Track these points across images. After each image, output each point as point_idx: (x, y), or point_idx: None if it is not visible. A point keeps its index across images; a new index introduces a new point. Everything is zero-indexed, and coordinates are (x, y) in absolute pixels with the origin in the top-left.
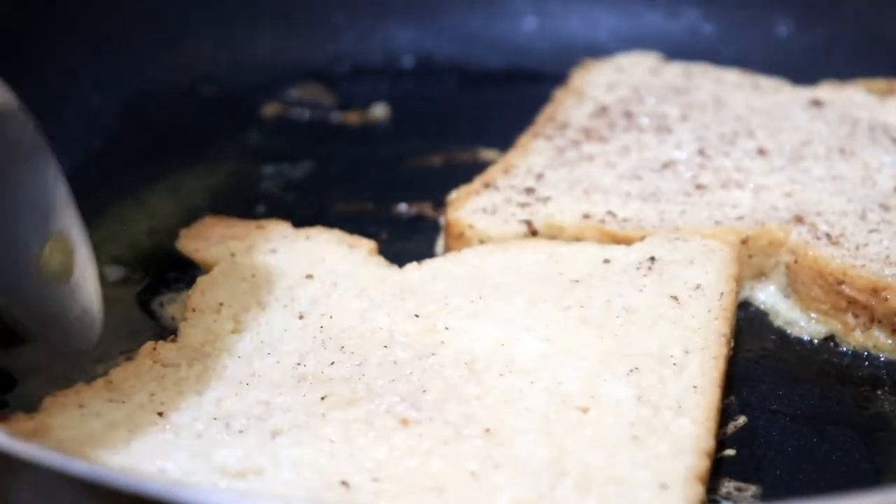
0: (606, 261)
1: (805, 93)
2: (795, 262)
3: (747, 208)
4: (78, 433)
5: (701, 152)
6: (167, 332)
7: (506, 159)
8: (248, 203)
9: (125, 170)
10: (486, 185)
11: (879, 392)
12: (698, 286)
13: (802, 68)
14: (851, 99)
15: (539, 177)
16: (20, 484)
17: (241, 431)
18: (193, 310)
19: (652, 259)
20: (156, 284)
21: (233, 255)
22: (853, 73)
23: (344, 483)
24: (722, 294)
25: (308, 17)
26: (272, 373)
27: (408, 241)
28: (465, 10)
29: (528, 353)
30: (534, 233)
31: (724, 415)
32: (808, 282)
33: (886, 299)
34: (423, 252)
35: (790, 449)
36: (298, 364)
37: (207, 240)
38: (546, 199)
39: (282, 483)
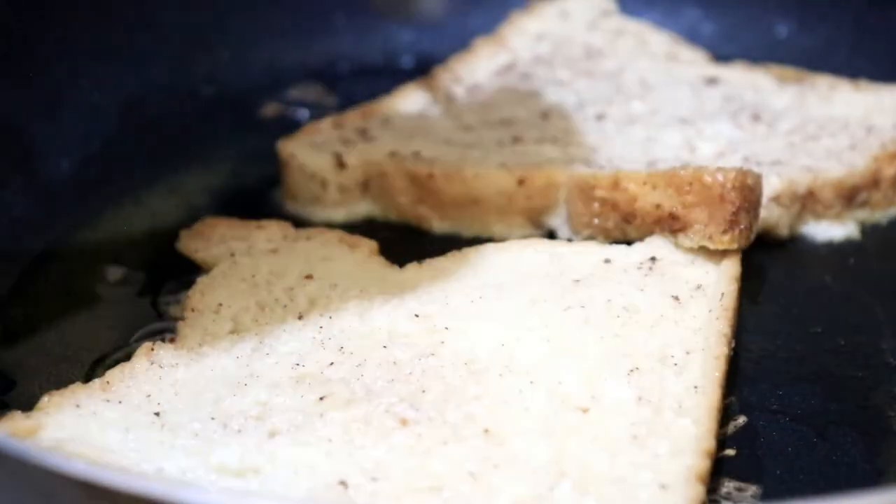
0: (607, 261)
1: (711, 70)
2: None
3: (546, 158)
4: (74, 433)
5: (545, 115)
6: (166, 332)
7: (375, 104)
8: (249, 203)
9: (125, 170)
10: (336, 126)
11: (880, 392)
12: (699, 286)
13: (802, 68)
14: (752, 81)
15: (385, 122)
16: (19, 484)
17: (239, 431)
18: (192, 310)
19: (653, 259)
20: (156, 285)
21: (233, 255)
22: (853, 73)
23: (342, 483)
24: (723, 294)
25: (308, 18)
26: (271, 373)
27: (408, 240)
28: (465, 11)
29: (529, 354)
30: (342, 165)
31: (725, 415)
32: (573, 200)
33: (626, 189)
34: (424, 252)
35: (790, 449)
36: (297, 364)
37: (208, 240)
38: (372, 139)
39: (280, 483)
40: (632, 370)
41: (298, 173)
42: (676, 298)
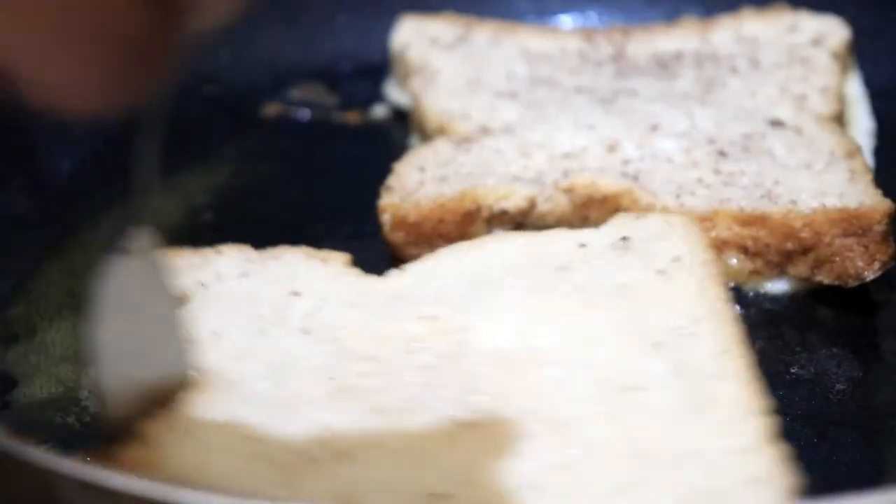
0: (583, 245)
1: None
2: None
3: None
4: (192, 462)
5: None
6: None
7: None
8: (250, 203)
9: (125, 170)
10: None
11: (880, 392)
12: (676, 258)
13: None
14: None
15: None
16: (19, 484)
17: (314, 460)
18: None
19: (624, 239)
20: None
21: (202, 285)
22: None
23: (434, 495)
24: (704, 262)
25: (310, 17)
26: (310, 392)
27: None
28: (466, 10)
29: (552, 342)
30: None
31: None
32: None
33: None
34: (394, 261)
35: (790, 449)
36: (331, 378)
37: None
38: None
39: None
40: (655, 344)
41: None
42: (662, 272)
